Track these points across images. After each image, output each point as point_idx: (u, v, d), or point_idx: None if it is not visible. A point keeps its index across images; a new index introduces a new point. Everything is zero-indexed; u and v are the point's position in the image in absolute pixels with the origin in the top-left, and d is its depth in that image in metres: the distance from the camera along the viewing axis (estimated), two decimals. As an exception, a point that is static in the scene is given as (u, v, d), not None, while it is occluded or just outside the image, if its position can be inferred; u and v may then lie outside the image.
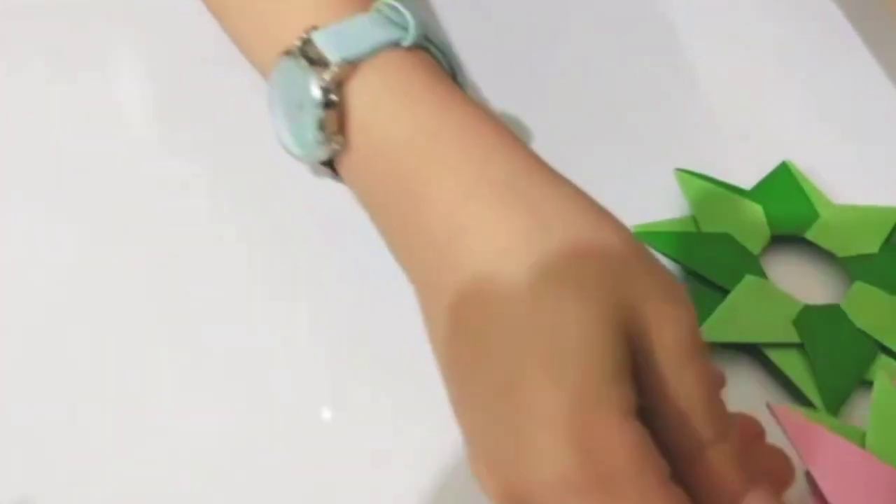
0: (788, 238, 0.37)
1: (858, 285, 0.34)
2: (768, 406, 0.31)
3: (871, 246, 0.36)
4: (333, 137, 0.27)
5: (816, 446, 0.29)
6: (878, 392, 0.31)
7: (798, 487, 0.28)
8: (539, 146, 0.39)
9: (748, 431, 0.27)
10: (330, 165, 0.29)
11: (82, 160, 0.36)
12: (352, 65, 0.27)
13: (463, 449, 0.24)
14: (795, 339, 0.32)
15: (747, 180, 0.38)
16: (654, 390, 0.23)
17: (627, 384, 0.22)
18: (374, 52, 0.27)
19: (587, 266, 0.23)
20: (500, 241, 0.23)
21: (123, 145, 0.37)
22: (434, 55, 0.29)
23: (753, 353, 0.33)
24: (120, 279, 0.34)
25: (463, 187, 0.24)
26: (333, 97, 0.26)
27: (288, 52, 0.28)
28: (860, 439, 0.30)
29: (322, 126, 0.27)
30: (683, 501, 0.21)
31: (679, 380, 0.23)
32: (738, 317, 0.33)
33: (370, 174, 0.27)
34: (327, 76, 0.26)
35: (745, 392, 0.33)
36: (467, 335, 0.23)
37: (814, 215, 0.37)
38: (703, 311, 0.33)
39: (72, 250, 0.34)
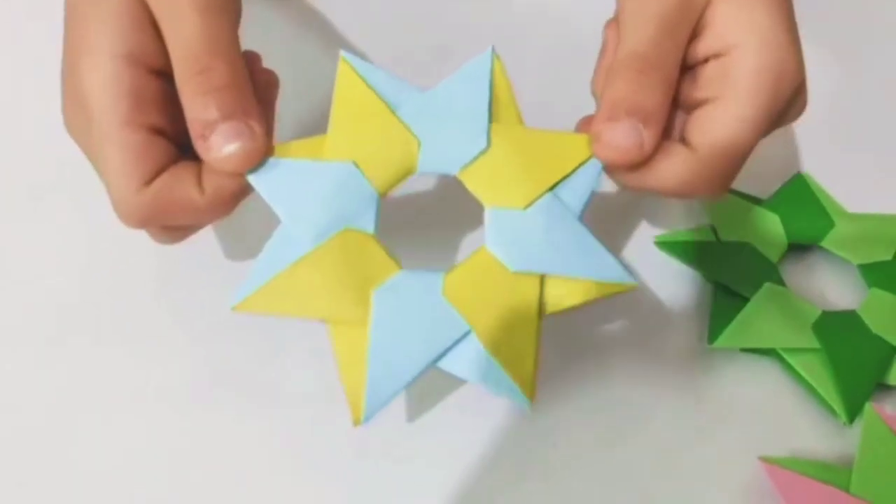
0: (805, 247, 0.38)
1: (874, 292, 0.35)
2: (761, 460, 0.31)
3: (886, 253, 0.37)
4: None
5: (805, 500, 0.30)
6: (867, 428, 0.31)
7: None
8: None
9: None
10: None
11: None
12: None
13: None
14: (814, 344, 0.33)
15: (764, 191, 0.39)
16: None
17: (128, 37, 0.27)
18: None
19: None
20: None
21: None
22: None
23: (774, 358, 0.34)
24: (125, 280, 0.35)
25: None
26: None
27: None
28: (848, 481, 0.30)
29: None
30: (133, 145, 0.27)
31: (179, 30, 0.27)
32: (758, 323, 0.34)
33: None
34: None
35: (766, 397, 0.34)
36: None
37: (829, 224, 0.37)
38: (725, 318, 0.34)
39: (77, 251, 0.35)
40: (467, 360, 0.26)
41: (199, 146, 0.27)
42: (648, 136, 0.27)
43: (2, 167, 0.37)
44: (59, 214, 0.37)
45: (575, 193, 0.28)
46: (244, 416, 0.32)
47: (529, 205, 0.28)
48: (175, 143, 0.28)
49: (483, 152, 0.28)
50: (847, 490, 0.30)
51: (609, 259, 0.28)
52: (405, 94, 0.29)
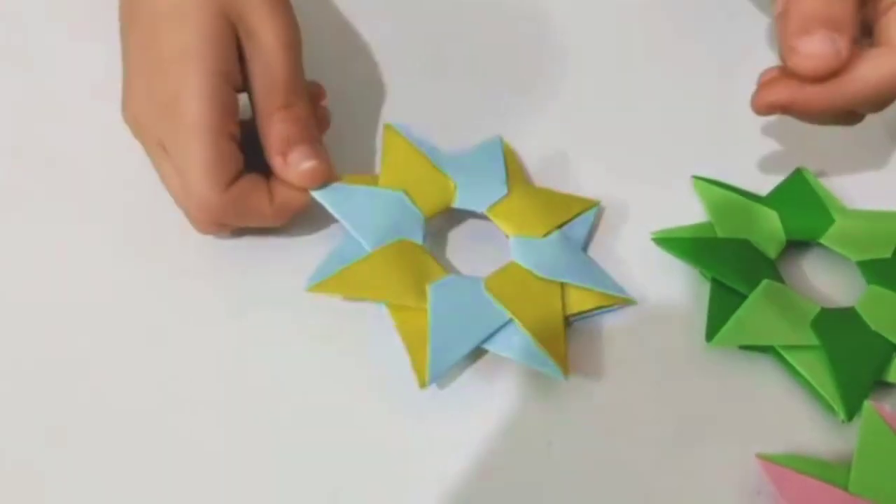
0: (804, 243, 0.37)
1: (873, 288, 0.35)
2: (757, 457, 0.31)
3: (885, 250, 0.36)
4: None
5: (803, 497, 0.30)
6: (865, 426, 0.31)
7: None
8: (558, 153, 0.40)
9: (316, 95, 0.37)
10: None
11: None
12: None
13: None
14: (813, 341, 0.33)
15: (763, 187, 0.39)
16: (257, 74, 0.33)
17: (223, 57, 0.31)
18: None
19: None
20: None
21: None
22: None
23: (772, 355, 0.34)
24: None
25: None
26: None
27: None
28: (846, 479, 0.30)
29: None
30: (225, 152, 0.31)
31: (268, 65, 0.32)
32: (756, 320, 0.34)
33: None
34: None
35: (764, 394, 0.34)
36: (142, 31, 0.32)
37: (828, 221, 0.37)
38: (723, 316, 0.34)
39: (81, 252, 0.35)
40: (510, 342, 0.32)
41: (277, 163, 0.33)
42: (843, 44, 0.29)
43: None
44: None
45: (577, 233, 0.37)
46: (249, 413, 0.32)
47: (545, 235, 0.35)
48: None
49: (504, 197, 0.36)
50: (845, 488, 0.30)
51: (610, 279, 0.35)
52: (434, 152, 0.37)
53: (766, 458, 0.31)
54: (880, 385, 0.33)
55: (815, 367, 0.33)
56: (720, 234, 0.37)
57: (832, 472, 0.31)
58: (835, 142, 0.41)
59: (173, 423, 0.32)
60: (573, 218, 0.37)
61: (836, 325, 0.34)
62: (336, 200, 0.34)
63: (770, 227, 0.37)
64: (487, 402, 0.33)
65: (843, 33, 0.29)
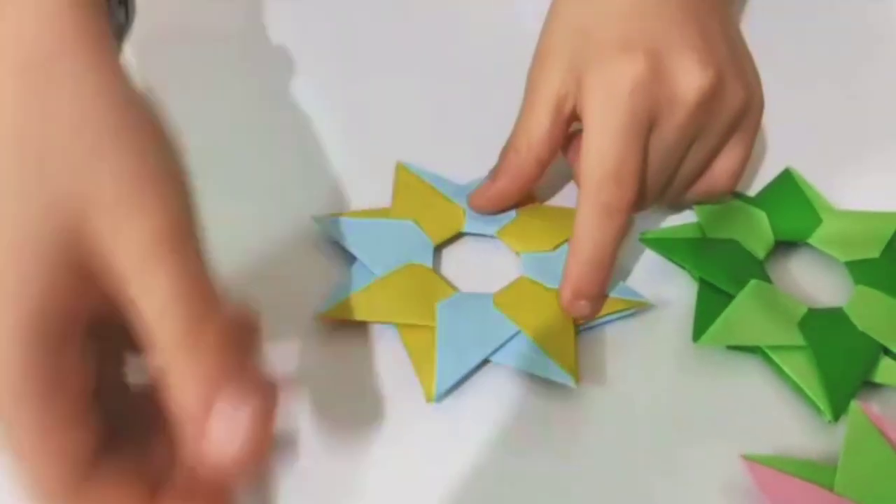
0: (792, 244, 0.37)
1: (861, 289, 0.35)
2: (742, 458, 0.31)
3: (873, 251, 0.36)
4: None
5: (788, 498, 0.30)
6: (852, 427, 0.31)
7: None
8: (556, 167, 0.40)
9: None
10: None
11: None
12: None
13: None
14: (800, 342, 0.33)
15: (751, 187, 0.39)
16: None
17: (34, 300, 0.20)
18: None
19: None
20: None
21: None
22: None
23: (759, 355, 0.34)
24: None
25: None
26: None
27: None
28: (832, 479, 0.30)
29: None
30: (54, 426, 0.20)
31: (139, 286, 0.20)
32: (744, 320, 0.34)
33: None
34: None
35: (752, 395, 0.34)
36: None
37: (816, 221, 0.37)
38: (710, 315, 0.34)
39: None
40: (517, 353, 0.33)
41: (192, 440, 0.21)
42: (597, 306, 0.34)
43: None
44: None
45: None
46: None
47: (555, 249, 0.36)
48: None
49: (513, 219, 0.37)
50: (831, 488, 0.30)
51: (623, 284, 0.35)
52: (443, 183, 0.38)
53: (751, 459, 0.31)
54: (867, 385, 0.33)
55: (802, 367, 0.33)
56: (708, 234, 0.37)
57: (818, 472, 0.31)
58: (823, 142, 0.41)
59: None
60: None
61: (823, 326, 0.34)
62: (344, 232, 0.35)
63: (758, 228, 0.37)
64: (478, 406, 0.33)
65: (601, 289, 0.34)
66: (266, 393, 0.21)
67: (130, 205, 0.20)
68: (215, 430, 0.20)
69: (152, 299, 0.20)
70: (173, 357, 0.21)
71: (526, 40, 0.36)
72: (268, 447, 0.21)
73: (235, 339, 0.22)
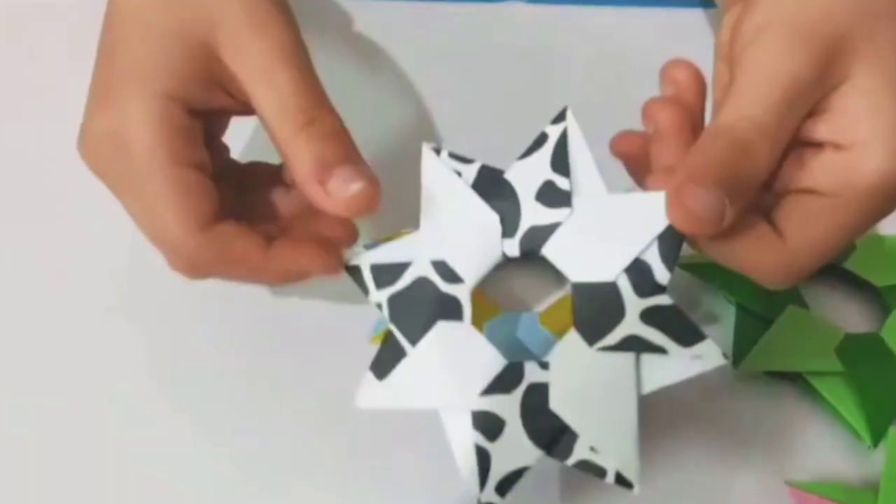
0: (827, 268, 0.38)
1: (896, 314, 0.36)
2: (787, 484, 0.32)
3: (908, 275, 0.37)
4: None
5: None
6: (891, 451, 0.32)
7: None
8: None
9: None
10: None
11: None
12: None
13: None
14: (838, 367, 0.34)
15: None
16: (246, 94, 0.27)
17: (173, 76, 0.26)
18: None
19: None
20: None
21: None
22: None
23: (798, 381, 0.35)
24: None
25: None
26: None
27: None
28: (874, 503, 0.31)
29: None
30: (188, 183, 0.26)
31: (270, 79, 0.27)
32: (782, 346, 0.34)
33: None
34: None
35: (790, 419, 0.34)
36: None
37: (851, 246, 0.38)
38: (749, 341, 0.35)
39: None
40: None
41: (315, 193, 0.26)
42: (731, 212, 0.25)
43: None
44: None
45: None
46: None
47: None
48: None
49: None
50: (872, 513, 0.30)
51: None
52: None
53: (795, 485, 0.32)
54: (906, 411, 0.34)
55: (840, 392, 0.34)
56: (744, 259, 0.37)
57: (859, 497, 0.31)
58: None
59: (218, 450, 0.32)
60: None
61: (860, 351, 0.34)
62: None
63: (793, 253, 0.37)
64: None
65: (738, 199, 0.25)
66: (371, 179, 0.27)
67: (253, 27, 0.27)
68: (333, 184, 0.26)
69: (274, 94, 0.27)
70: (294, 139, 0.26)
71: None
72: (376, 205, 0.27)
73: (345, 135, 0.27)
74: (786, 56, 0.26)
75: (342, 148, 0.27)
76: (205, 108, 0.27)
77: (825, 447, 0.33)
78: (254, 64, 0.27)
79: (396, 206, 0.37)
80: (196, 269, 0.27)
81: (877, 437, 0.33)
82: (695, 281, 0.37)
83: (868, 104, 0.26)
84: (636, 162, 0.29)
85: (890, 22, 0.26)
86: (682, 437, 0.33)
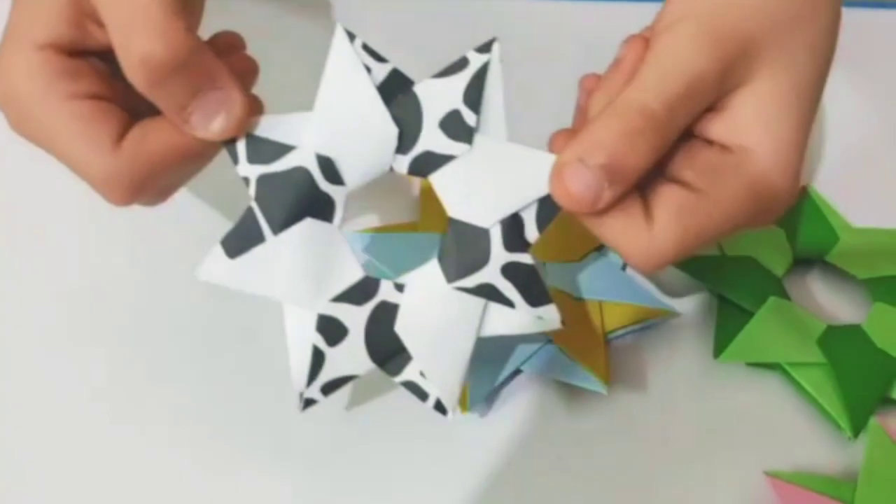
0: (810, 261, 0.38)
1: (879, 306, 0.36)
2: (766, 474, 0.32)
3: (891, 268, 0.37)
4: None
5: None
6: (872, 443, 0.32)
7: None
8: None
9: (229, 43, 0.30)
10: None
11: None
12: None
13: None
14: (820, 358, 0.34)
15: (769, 205, 0.39)
16: None
17: (45, 25, 0.26)
18: None
19: None
20: None
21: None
22: None
23: (779, 372, 0.35)
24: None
25: None
26: None
27: None
28: (852, 495, 0.31)
29: None
30: (83, 112, 0.26)
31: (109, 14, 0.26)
32: (763, 337, 0.34)
33: None
34: None
35: (771, 410, 0.34)
36: None
37: (834, 238, 0.38)
38: (730, 332, 0.35)
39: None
40: (547, 362, 0.33)
41: (187, 132, 0.26)
42: (608, 196, 0.25)
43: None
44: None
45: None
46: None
47: (582, 258, 0.36)
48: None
49: None
50: (851, 504, 0.30)
51: (650, 295, 0.36)
52: None
53: (774, 475, 0.31)
54: (886, 402, 0.34)
55: (821, 384, 0.34)
56: (727, 251, 0.37)
57: (838, 488, 0.31)
58: (841, 160, 0.41)
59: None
60: None
61: (842, 343, 0.34)
62: (375, 248, 0.34)
63: (777, 245, 0.38)
64: (521, 417, 0.34)
65: (618, 183, 0.25)
66: (232, 104, 0.26)
67: None
68: (195, 122, 0.26)
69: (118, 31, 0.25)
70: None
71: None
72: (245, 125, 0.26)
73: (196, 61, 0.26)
74: (691, 50, 0.25)
75: (197, 76, 0.26)
76: (82, 45, 0.27)
77: (806, 438, 0.33)
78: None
79: (394, 205, 0.38)
80: (131, 185, 0.27)
81: (857, 428, 0.33)
82: (677, 272, 0.37)
83: (761, 111, 0.26)
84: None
85: (806, 32, 0.26)
86: (662, 427, 0.33)
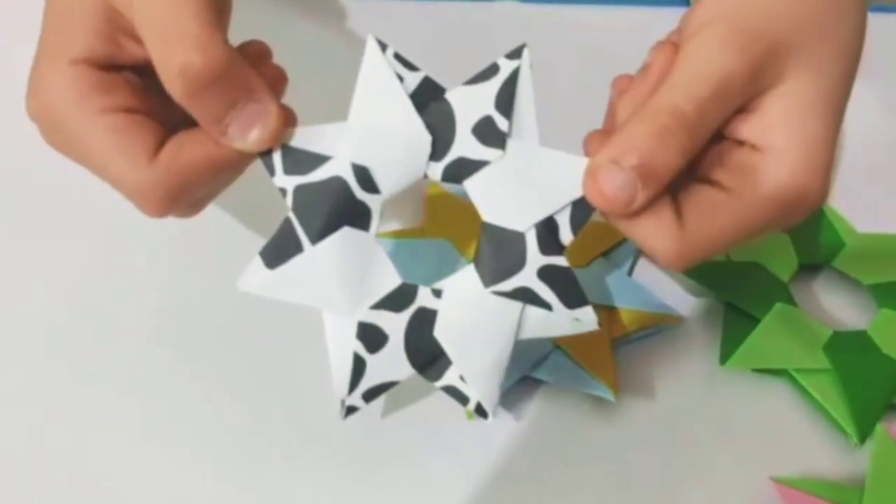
0: (816, 266, 0.38)
1: (884, 312, 0.36)
2: (772, 480, 0.32)
3: (896, 273, 0.37)
4: None
5: None
6: (878, 449, 0.32)
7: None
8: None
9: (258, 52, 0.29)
10: None
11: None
12: None
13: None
14: (825, 365, 0.34)
15: (775, 211, 0.39)
16: None
17: (76, 41, 0.27)
18: None
19: None
20: None
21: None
22: None
23: (785, 378, 0.35)
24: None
25: None
26: None
27: None
28: (859, 501, 0.31)
29: None
30: (118, 125, 0.26)
31: (146, 14, 0.26)
32: (769, 344, 0.34)
33: None
34: None
35: (777, 416, 0.34)
36: None
37: (840, 244, 0.38)
38: (737, 339, 0.35)
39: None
40: (555, 369, 0.33)
41: (224, 144, 0.26)
42: (642, 197, 0.25)
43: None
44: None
45: (622, 258, 0.36)
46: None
47: (588, 264, 0.36)
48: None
49: None
50: (858, 510, 0.30)
51: (657, 300, 0.36)
52: None
53: (780, 481, 0.32)
54: (892, 408, 0.34)
55: (827, 390, 0.34)
56: (734, 257, 0.37)
57: (845, 494, 0.31)
58: (846, 166, 0.41)
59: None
60: (617, 245, 0.37)
61: (848, 349, 0.34)
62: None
63: (782, 251, 0.38)
64: (527, 423, 0.34)
65: (651, 185, 0.25)
66: (268, 116, 0.26)
67: None
68: (232, 134, 0.26)
69: (156, 38, 0.26)
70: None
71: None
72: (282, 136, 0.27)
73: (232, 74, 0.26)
74: (721, 52, 0.26)
75: (234, 88, 0.26)
76: (116, 59, 0.27)
77: (812, 444, 0.33)
78: (139, 4, 0.26)
79: (393, 205, 0.37)
80: (166, 197, 0.27)
81: (863, 434, 0.33)
82: (683, 278, 0.37)
83: (791, 113, 0.26)
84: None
85: (834, 34, 0.27)
86: (669, 434, 0.34)
